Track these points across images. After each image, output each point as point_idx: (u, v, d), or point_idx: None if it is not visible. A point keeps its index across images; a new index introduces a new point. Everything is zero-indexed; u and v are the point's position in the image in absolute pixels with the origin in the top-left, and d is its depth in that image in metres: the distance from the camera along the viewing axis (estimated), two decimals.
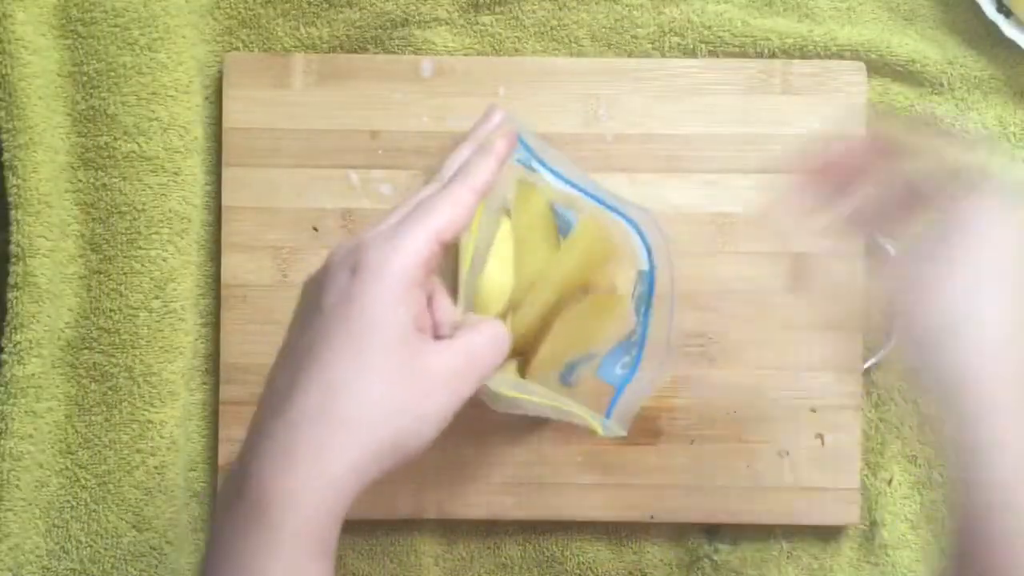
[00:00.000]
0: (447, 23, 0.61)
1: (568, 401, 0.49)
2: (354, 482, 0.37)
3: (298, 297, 0.42)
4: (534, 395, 0.48)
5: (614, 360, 0.55)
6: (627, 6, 0.61)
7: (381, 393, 0.37)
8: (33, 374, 0.55)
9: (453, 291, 0.45)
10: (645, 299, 0.48)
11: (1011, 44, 0.61)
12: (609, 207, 0.47)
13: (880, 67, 0.61)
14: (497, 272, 0.51)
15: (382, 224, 0.41)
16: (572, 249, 0.55)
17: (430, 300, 0.42)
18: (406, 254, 0.38)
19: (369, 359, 0.37)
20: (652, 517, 0.60)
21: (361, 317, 0.38)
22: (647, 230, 0.47)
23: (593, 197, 0.48)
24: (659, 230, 0.47)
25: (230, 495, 0.37)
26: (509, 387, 0.46)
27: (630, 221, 0.47)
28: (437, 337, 0.41)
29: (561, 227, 0.55)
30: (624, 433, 0.49)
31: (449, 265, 0.51)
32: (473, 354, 0.40)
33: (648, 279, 0.47)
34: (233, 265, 0.60)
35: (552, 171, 0.48)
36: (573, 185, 0.48)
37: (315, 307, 0.39)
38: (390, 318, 0.38)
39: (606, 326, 0.56)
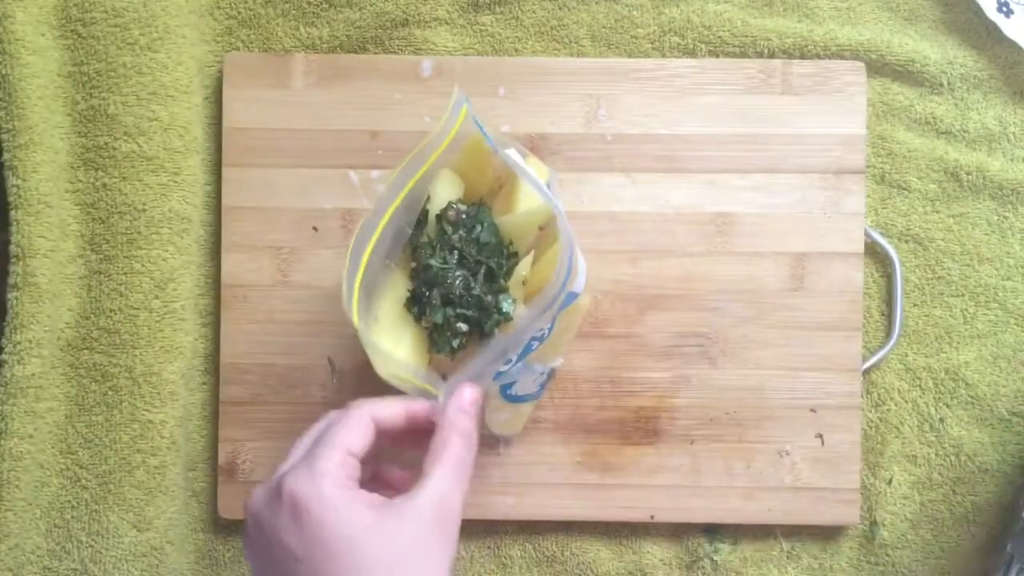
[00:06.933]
0: (447, 23, 0.61)
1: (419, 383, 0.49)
2: None
3: (247, 556, 0.43)
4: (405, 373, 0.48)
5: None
6: (627, 6, 0.61)
7: None
8: (33, 374, 0.55)
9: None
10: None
11: (1011, 44, 0.61)
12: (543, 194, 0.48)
13: (880, 67, 0.61)
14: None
15: (291, 457, 0.44)
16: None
17: (375, 475, 0.48)
18: (327, 474, 0.41)
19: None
20: (652, 517, 0.60)
21: (337, 548, 0.39)
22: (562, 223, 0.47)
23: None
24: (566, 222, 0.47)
25: None
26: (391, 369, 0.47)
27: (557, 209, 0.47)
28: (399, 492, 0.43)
29: None
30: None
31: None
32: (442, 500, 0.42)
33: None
34: (233, 265, 0.60)
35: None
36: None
37: (289, 560, 0.40)
38: (352, 532, 0.40)
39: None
